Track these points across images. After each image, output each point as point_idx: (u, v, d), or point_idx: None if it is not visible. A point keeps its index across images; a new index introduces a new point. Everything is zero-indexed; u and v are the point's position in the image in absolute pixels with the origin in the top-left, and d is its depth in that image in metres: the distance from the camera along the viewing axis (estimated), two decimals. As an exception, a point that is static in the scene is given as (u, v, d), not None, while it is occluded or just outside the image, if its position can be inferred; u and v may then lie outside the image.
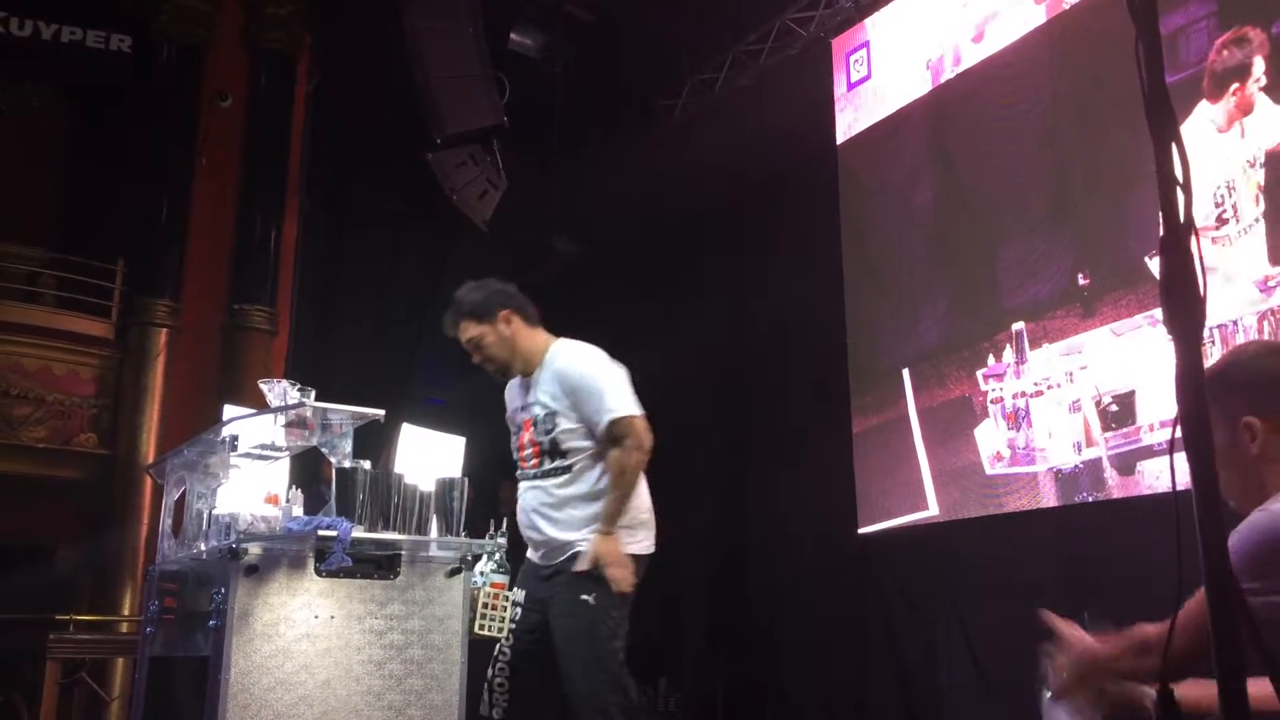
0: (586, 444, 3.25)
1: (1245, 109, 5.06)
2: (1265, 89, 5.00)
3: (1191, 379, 1.28)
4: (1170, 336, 1.30)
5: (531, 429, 3.31)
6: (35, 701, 6.44)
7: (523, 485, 3.35)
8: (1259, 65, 5.08)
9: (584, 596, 3.10)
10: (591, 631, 3.09)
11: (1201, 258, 1.31)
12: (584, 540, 3.17)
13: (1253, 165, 4.97)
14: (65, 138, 10.02)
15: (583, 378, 3.28)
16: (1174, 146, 1.34)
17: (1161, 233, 1.32)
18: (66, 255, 9.08)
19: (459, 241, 8.64)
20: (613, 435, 3.21)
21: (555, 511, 3.23)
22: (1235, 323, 4.92)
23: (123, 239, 9.14)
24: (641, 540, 3.30)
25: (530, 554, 3.36)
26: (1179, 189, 1.32)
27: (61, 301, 8.99)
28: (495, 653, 3.24)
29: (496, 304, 3.40)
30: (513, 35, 8.58)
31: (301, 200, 9.44)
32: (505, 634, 3.19)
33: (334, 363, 9.37)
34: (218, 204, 9.26)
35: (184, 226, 9.17)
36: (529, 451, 3.32)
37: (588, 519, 3.19)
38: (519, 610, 3.25)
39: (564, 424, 3.25)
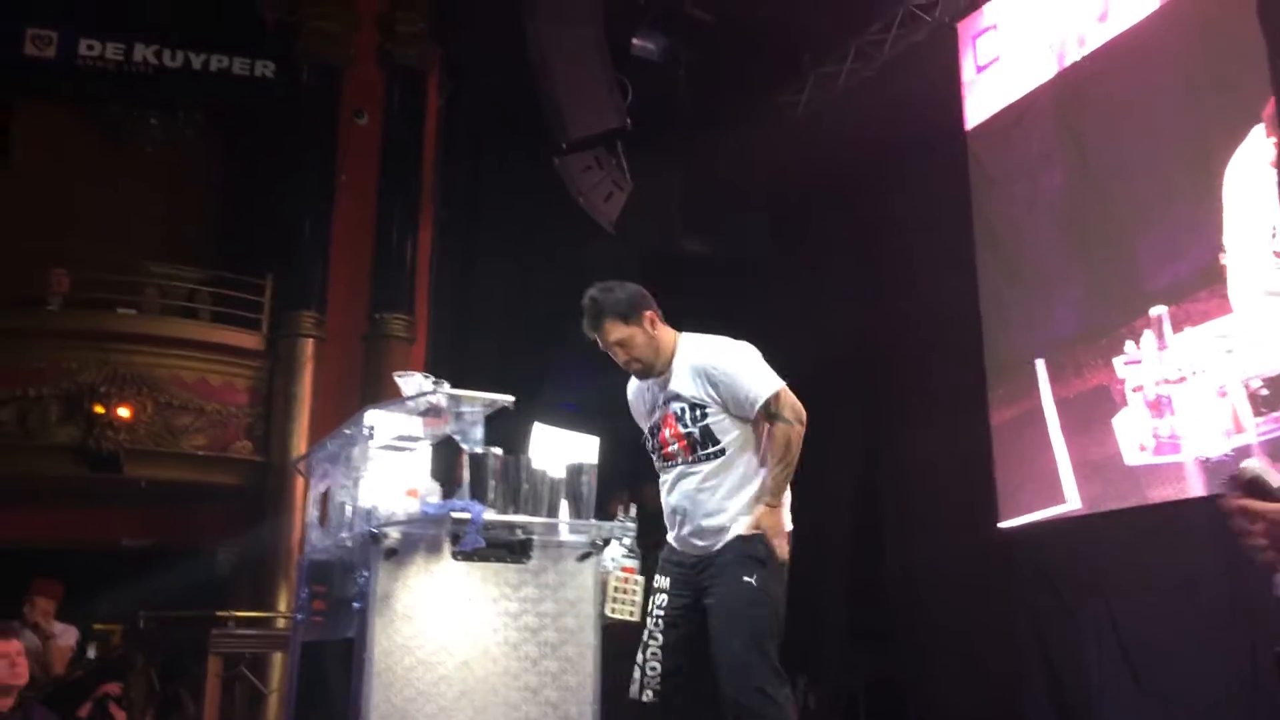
0: (735, 431, 3.32)
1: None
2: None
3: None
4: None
5: (675, 424, 3.36)
6: (200, 695, 6.80)
7: (671, 475, 3.40)
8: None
9: (746, 578, 3.15)
10: (752, 611, 3.14)
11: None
12: (740, 524, 3.23)
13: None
14: (215, 162, 10.57)
15: (725, 367, 3.35)
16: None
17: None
18: (220, 273, 9.58)
19: (588, 245, 8.77)
20: (770, 413, 3.29)
21: (710, 498, 3.29)
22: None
23: (271, 255, 9.58)
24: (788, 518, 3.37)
25: (675, 542, 3.38)
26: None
27: (216, 316, 9.49)
28: (645, 638, 3.28)
29: (641, 305, 3.43)
30: (635, 40, 8.68)
31: (436, 209, 9.71)
32: (637, 617, 3.24)
33: (469, 368, 9.59)
34: (357, 217, 9.63)
35: (326, 241, 9.56)
36: (675, 446, 3.37)
37: (743, 504, 3.26)
38: (664, 597, 3.27)
39: (714, 414, 3.32)
